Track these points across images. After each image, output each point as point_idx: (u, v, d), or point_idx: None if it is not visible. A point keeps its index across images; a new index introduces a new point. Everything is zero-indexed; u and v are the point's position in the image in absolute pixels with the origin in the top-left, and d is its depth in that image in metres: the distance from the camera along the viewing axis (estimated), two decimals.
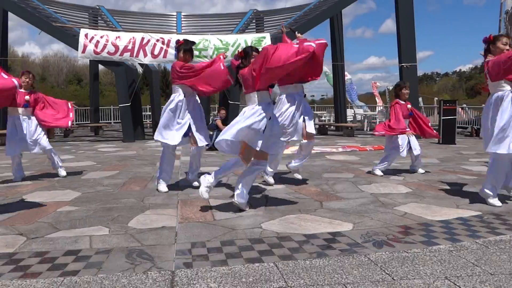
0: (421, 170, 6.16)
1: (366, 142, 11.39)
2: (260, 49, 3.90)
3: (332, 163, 7.27)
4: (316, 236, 3.22)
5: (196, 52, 11.99)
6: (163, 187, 4.87)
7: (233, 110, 12.17)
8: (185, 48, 4.84)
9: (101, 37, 11.65)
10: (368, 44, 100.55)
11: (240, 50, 4.01)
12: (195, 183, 5.08)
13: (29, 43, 62.25)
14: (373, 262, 2.69)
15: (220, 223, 3.62)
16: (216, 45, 12.04)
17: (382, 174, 6.00)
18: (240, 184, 3.91)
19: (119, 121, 16.38)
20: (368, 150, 9.42)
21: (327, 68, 19.64)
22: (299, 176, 5.38)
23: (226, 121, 10.57)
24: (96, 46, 11.54)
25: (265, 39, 12.17)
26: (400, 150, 5.92)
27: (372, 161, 7.52)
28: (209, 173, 3.89)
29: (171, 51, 11.78)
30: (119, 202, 4.43)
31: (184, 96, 4.69)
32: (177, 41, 4.92)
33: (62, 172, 6.07)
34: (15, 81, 3.78)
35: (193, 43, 4.86)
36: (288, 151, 7.99)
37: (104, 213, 3.99)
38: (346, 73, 21.70)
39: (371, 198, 4.54)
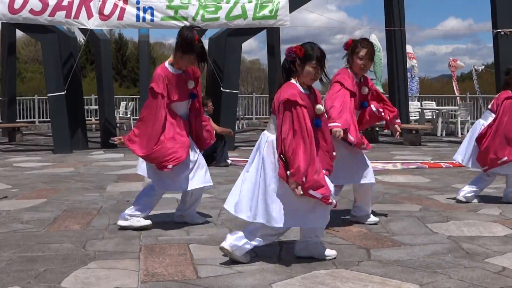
0: None
1: (441, 154, 11.36)
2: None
3: (387, 188, 7.26)
4: None
5: (170, 12, 12.08)
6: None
7: (228, 103, 12.19)
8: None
9: None
10: None
11: (296, 46, 4.01)
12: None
13: None
14: None
15: (206, 282, 3.61)
16: (201, 1, 12.10)
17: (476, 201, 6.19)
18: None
19: (48, 119, 16.46)
20: (443, 167, 9.39)
21: (375, 37, 19.57)
22: None
23: (216, 118, 10.61)
24: (12, 1, 11.63)
25: None
26: None
27: (451, 185, 7.51)
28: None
29: (131, 11, 11.85)
30: (47, 249, 4.43)
31: None
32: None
33: None
34: None
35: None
36: None
37: (24, 265, 3.98)
38: (409, 49, 21.75)
39: (448, 245, 4.52)
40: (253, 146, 4.14)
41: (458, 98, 19.15)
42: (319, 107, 4.05)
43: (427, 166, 9.46)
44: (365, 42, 5.13)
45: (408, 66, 21.10)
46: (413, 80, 21.48)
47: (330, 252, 4.19)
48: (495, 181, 7.61)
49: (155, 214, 5.63)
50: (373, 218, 5.28)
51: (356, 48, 5.08)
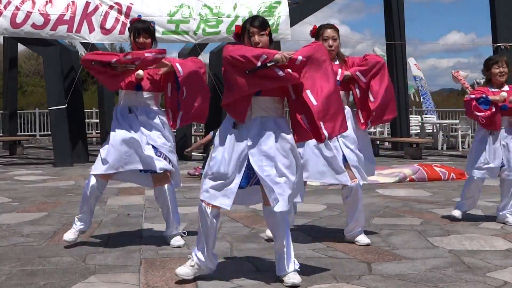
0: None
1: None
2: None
3: (387, 202, 7.25)
4: None
5: (171, 27, 12.13)
6: None
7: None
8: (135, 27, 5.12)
9: (23, 1, 11.83)
10: (447, 13, 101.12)
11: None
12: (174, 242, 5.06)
13: None
14: None
15: None
16: (203, 16, 12.16)
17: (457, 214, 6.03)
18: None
19: (49, 132, 16.48)
20: (442, 181, 9.37)
21: (380, 50, 19.72)
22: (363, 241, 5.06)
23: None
24: (14, 15, 11.71)
25: (280, 6, 12.29)
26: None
27: (452, 199, 7.50)
28: None
29: None
30: (47, 263, 4.43)
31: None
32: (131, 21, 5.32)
33: None
34: None
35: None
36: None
37: (24, 279, 3.98)
38: (411, 60, 21.72)
39: (449, 259, 4.52)
40: None
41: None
42: None
43: (427, 178, 9.41)
44: (329, 24, 5.02)
45: (414, 74, 21.13)
46: (427, 95, 21.68)
47: None
48: (496, 195, 7.58)
49: (157, 229, 5.63)
50: (363, 239, 5.01)
51: (320, 30, 4.98)
